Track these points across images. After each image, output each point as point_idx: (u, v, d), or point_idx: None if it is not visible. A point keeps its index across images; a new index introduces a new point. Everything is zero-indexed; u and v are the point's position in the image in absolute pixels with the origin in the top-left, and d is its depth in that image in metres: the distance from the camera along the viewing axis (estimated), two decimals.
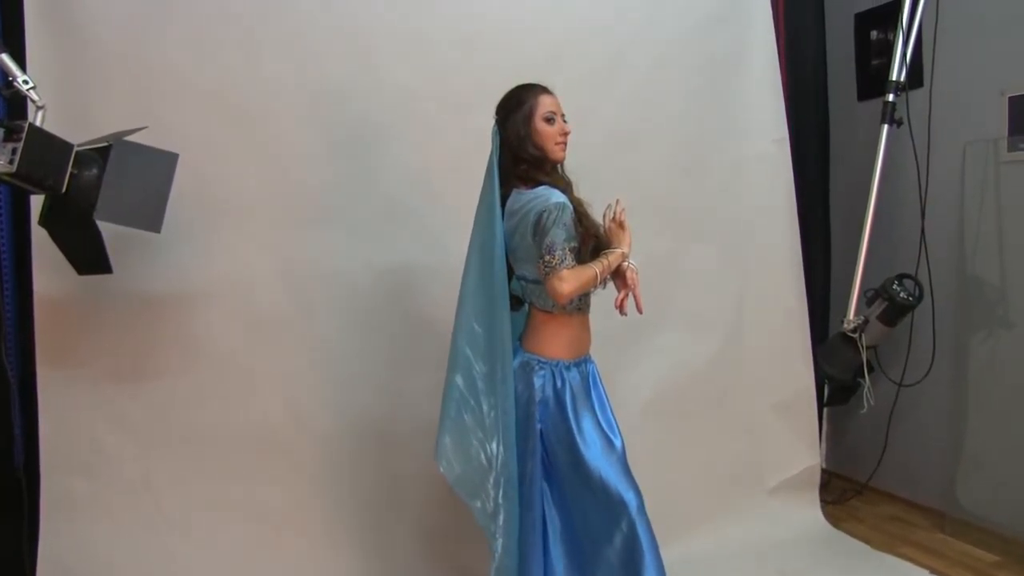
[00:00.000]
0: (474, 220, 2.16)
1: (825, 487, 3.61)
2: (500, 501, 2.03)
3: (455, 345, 2.14)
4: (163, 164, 2.14)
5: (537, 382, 2.10)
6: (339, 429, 2.80)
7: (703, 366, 3.27)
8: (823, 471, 3.59)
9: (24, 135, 1.90)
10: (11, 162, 1.90)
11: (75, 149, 2.03)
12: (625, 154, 3.10)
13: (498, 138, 2.13)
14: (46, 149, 1.96)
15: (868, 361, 3.25)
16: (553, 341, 2.14)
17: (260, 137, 2.71)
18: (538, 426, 2.10)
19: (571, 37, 3.02)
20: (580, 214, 2.10)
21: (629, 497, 2.06)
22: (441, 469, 2.11)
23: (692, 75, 3.22)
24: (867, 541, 3.21)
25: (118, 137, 2.09)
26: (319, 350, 2.79)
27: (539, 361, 2.12)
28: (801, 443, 3.42)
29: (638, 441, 3.04)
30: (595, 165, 2.98)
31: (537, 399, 2.10)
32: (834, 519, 3.41)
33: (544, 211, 2.01)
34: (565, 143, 2.17)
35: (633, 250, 3.06)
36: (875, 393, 3.32)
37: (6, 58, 2.03)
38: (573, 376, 2.14)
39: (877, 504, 3.60)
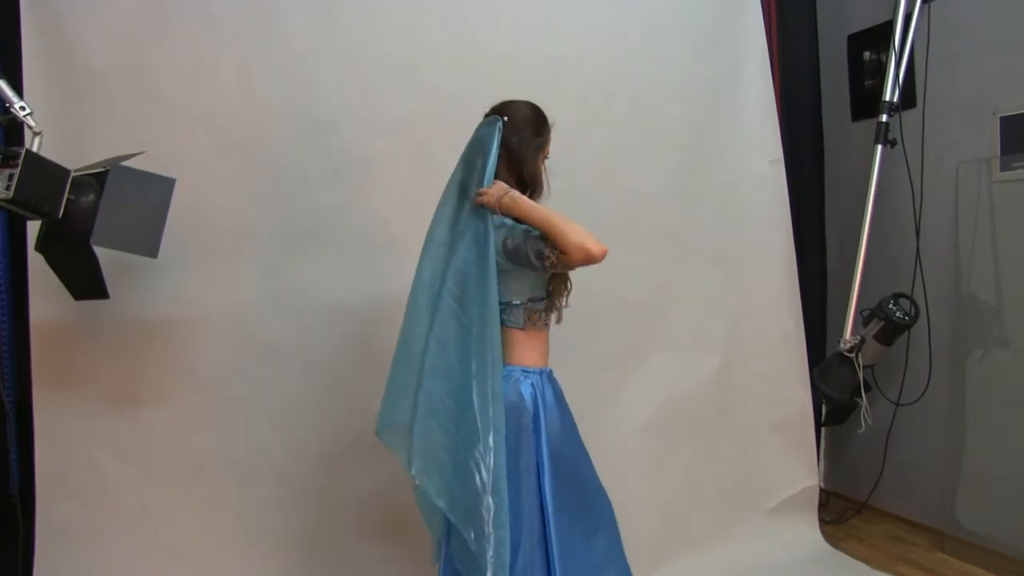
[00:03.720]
0: (463, 214, 2.10)
1: (824, 507, 3.61)
2: (490, 529, 1.93)
3: (428, 350, 2.06)
4: (160, 189, 2.15)
5: (526, 391, 2.07)
6: (336, 454, 2.79)
7: (701, 387, 3.26)
8: (822, 491, 3.59)
9: (21, 161, 1.91)
10: (8, 188, 1.91)
11: (72, 175, 2.04)
12: (621, 176, 3.12)
13: (499, 143, 2.07)
14: (43, 175, 1.97)
15: (865, 381, 3.26)
16: (530, 353, 2.12)
17: (256, 163, 2.72)
18: (532, 436, 2.06)
19: (567, 60, 3.04)
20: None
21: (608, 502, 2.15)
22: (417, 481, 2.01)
23: (687, 97, 3.24)
24: (866, 561, 3.21)
25: (115, 162, 2.10)
26: (315, 376, 2.78)
27: (523, 371, 2.10)
28: (800, 463, 3.42)
29: (638, 461, 3.06)
30: (591, 187, 3.02)
31: (529, 408, 2.06)
32: (833, 539, 3.40)
33: (507, 240, 2.00)
34: None
35: (629, 271, 3.08)
36: (872, 412, 3.33)
37: (3, 84, 2.05)
38: (555, 383, 2.15)
39: (876, 523, 3.60)
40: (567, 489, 2.08)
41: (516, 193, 2.00)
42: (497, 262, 2.02)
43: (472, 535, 1.91)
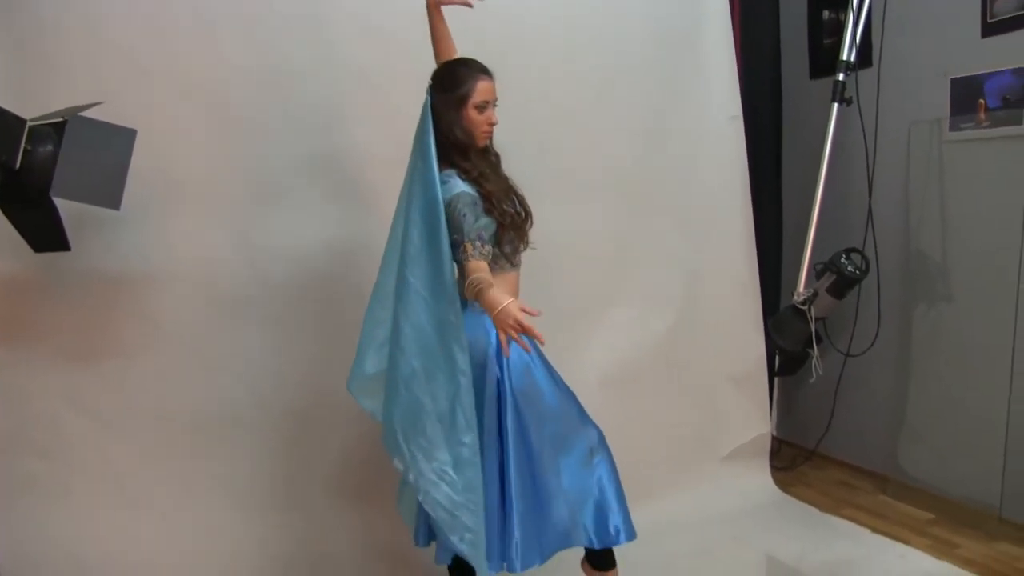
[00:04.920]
0: (408, 183, 2.16)
1: (776, 454, 3.71)
2: (460, 490, 2.06)
3: (397, 322, 2.13)
4: (121, 140, 2.10)
5: (493, 331, 2.10)
6: (300, 406, 2.82)
7: (658, 339, 3.33)
8: (774, 439, 3.69)
9: None
10: None
11: (28, 124, 1.99)
12: (580, 132, 3.13)
13: (427, 108, 2.12)
14: None
15: (817, 332, 3.34)
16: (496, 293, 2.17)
17: (218, 116, 2.68)
18: (496, 373, 2.14)
19: (528, 12, 3.03)
20: (495, 199, 2.12)
21: (592, 433, 2.25)
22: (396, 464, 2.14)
23: (647, 54, 3.25)
24: (815, 504, 3.33)
25: (73, 112, 2.05)
26: (279, 328, 2.79)
27: None
28: (753, 412, 3.52)
29: (595, 413, 3.10)
30: (550, 140, 3.04)
31: (494, 346, 2.14)
32: (784, 484, 3.52)
33: (448, 205, 2.05)
34: (491, 132, 2.19)
35: (587, 223, 3.11)
36: (823, 363, 3.42)
37: None
38: None
39: (824, 469, 3.72)
40: (534, 421, 2.16)
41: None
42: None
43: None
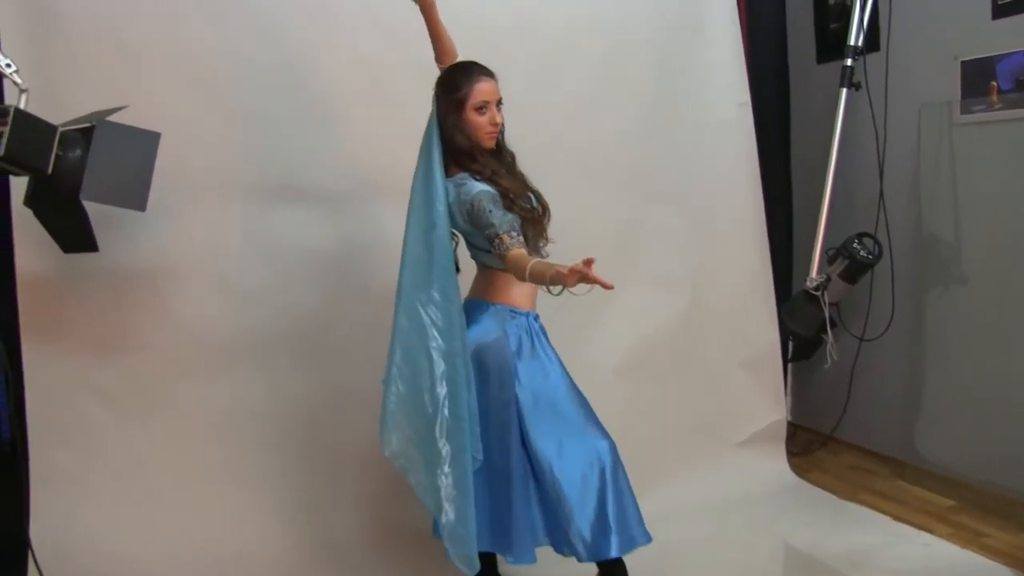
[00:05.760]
0: (412, 193, 2.21)
1: (791, 439, 3.71)
2: (448, 469, 2.09)
3: (397, 322, 2.19)
4: (146, 143, 2.16)
5: (511, 329, 2.20)
6: (317, 398, 2.88)
7: (671, 326, 3.36)
8: (789, 424, 3.70)
9: (10, 119, 1.92)
10: None
11: (59, 130, 2.05)
12: (590, 118, 3.17)
13: (434, 114, 2.18)
14: (31, 132, 1.98)
15: (830, 317, 3.36)
16: (518, 294, 2.24)
17: (233, 111, 2.74)
18: (513, 372, 2.19)
19: (534, 8, 3.07)
20: (512, 195, 2.15)
21: (601, 445, 2.22)
22: (383, 448, 2.16)
23: (655, 41, 3.28)
24: (831, 490, 3.33)
25: (99, 117, 2.11)
26: (295, 321, 2.84)
27: (511, 311, 2.23)
28: (767, 398, 3.54)
29: (610, 400, 3.10)
30: (560, 129, 3.08)
31: (512, 346, 2.19)
32: (800, 470, 3.52)
33: (471, 205, 2.09)
34: (495, 133, 2.21)
35: (598, 212, 3.14)
36: (837, 348, 3.43)
37: None
38: (536, 328, 2.28)
39: (840, 454, 3.71)
40: (551, 420, 2.20)
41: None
42: (463, 228, 2.16)
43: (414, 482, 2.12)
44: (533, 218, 2.19)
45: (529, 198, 2.23)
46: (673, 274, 3.37)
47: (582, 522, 2.16)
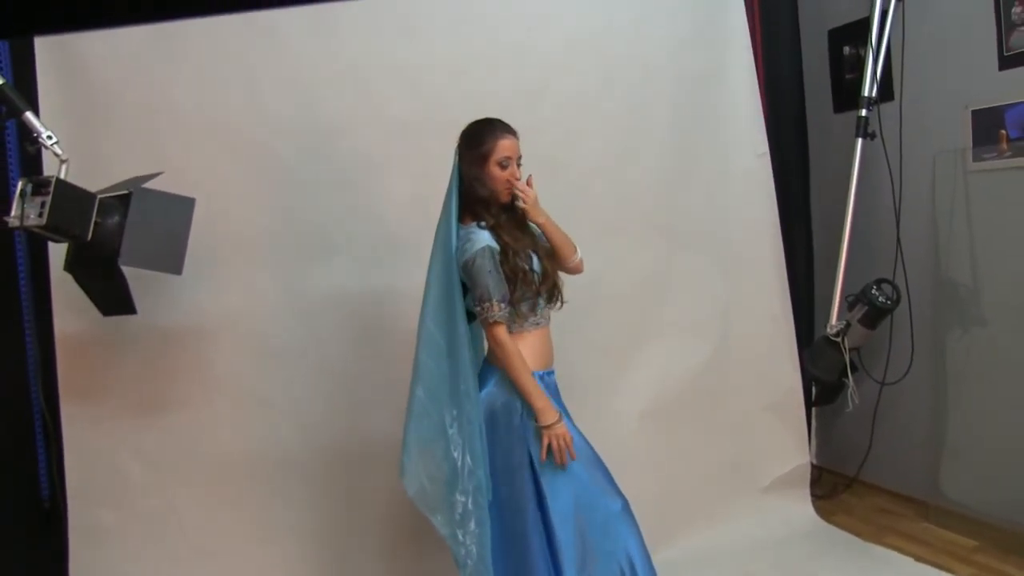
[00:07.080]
0: (435, 237, 2.26)
1: (816, 482, 3.71)
2: (470, 507, 2.10)
3: (418, 358, 2.22)
4: (181, 208, 2.25)
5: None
6: (354, 452, 2.91)
7: (695, 372, 3.38)
8: (814, 467, 3.70)
9: (52, 189, 2.01)
10: (40, 215, 2.02)
11: (98, 198, 2.14)
12: (614, 172, 3.23)
13: (456, 166, 2.24)
14: (71, 201, 2.08)
15: (852, 362, 3.38)
16: (529, 354, 2.21)
17: (265, 172, 2.83)
18: (526, 439, 2.18)
19: (560, 59, 3.14)
20: (510, 251, 2.18)
21: (615, 506, 2.23)
22: (404, 484, 2.20)
23: (675, 95, 3.33)
24: (857, 533, 3.33)
25: (136, 183, 2.20)
26: (329, 376, 2.90)
27: None
28: (791, 442, 3.55)
29: (635, 447, 3.17)
30: (585, 184, 3.13)
31: (520, 411, 2.19)
32: (825, 513, 3.52)
33: (468, 261, 2.14)
34: (511, 189, 2.24)
35: (625, 263, 3.18)
36: (859, 392, 3.45)
37: (31, 116, 2.14)
38: (550, 384, 2.27)
39: (865, 497, 3.71)
40: (565, 479, 2.19)
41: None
42: (463, 281, 2.19)
43: (439, 518, 2.14)
44: (526, 280, 2.20)
45: (530, 257, 2.24)
46: (697, 322, 3.40)
47: None
